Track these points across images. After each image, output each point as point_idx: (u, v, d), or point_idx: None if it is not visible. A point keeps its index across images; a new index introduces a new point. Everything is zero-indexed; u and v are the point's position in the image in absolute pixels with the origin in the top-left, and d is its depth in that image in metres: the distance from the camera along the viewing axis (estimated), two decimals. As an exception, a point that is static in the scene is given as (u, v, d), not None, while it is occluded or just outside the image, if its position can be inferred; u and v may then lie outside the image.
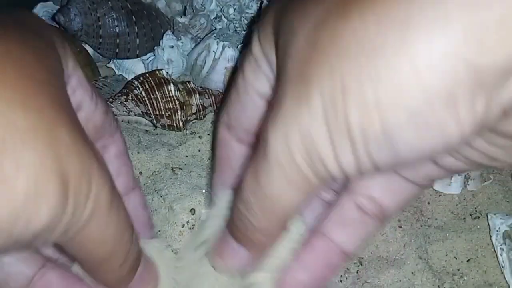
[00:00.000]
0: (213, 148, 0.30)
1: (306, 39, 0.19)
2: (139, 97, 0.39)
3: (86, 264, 0.24)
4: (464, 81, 0.15)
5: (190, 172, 0.36)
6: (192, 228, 0.33)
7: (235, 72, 0.42)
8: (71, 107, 0.21)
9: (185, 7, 0.47)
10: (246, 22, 0.44)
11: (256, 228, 0.23)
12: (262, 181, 0.21)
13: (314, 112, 0.18)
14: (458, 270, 0.35)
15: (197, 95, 0.40)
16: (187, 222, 0.33)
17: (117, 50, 0.42)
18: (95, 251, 0.22)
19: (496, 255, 0.35)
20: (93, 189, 0.20)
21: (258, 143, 0.21)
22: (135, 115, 0.40)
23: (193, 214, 0.33)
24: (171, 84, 0.39)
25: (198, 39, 0.45)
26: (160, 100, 0.38)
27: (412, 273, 0.34)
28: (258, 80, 0.24)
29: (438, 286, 0.34)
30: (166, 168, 0.37)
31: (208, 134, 0.40)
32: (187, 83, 0.40)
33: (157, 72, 0.39)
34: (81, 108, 0.25)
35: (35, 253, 0.26)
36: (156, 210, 0.34)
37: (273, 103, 0.20)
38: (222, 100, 0.41)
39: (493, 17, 0.15)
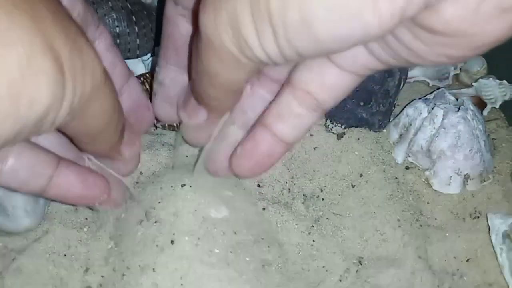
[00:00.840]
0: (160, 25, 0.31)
1: None
2: (139, 97, 0.39)
3: (84, 138, 0.25)
4: None
5: (190, 172, 0.37)
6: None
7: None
8: None
9: (185, 7, 0.47)
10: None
11: (208, 95, 0.25)
12: (201, 57, 0.22)
13: None
14: (458, 270, 0.35)
15: (197, 95, 0.40)
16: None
17: (117, 50, 0.42)
18: (95, 124, 0.24)
19: (496, 255, 0.36)
20: (87, 64, 0.20)
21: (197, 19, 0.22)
22: (135, 115, 0.40)
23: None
24: (171, 84, 0.39)
25: (198, 40, 0.45)
26: (160, 100, 0.38)
27: (411, 272, 0.34)
28: None
29: (438, 286, 0.34)
30: (166, 168, 0.37)
31: (208, 134, 0.40)
32: (187, 83, 0.40)
33: (157, 72, 0.39)
34: None
35: (48, 154, 0.27)
36: (156, 210, 0.34)
37: None
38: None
39: None
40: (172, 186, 0.34)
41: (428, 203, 0.38)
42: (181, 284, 0.30)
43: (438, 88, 0.43)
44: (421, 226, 0.37)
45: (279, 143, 0.28)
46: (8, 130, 0.18)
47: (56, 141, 0.29)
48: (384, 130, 0.41)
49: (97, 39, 0.28)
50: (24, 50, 0.17)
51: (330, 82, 0.25)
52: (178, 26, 0.28)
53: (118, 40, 0.42)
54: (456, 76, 0.46)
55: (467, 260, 0.36)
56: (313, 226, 0.35)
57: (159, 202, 0.33)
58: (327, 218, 0.36)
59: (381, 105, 0.39)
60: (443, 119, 0.38)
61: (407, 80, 0.43)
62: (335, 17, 0.17)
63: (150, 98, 0.38)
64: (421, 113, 0.39)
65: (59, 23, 0.19)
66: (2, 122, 0.18)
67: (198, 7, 0.21)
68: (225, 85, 0.24)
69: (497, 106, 0.44)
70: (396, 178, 0.38)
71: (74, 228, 0.34)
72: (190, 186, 0.33)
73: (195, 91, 0.27)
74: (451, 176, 0.38)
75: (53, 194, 0.27)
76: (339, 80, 0.25)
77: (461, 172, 0.38)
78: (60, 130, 0.24)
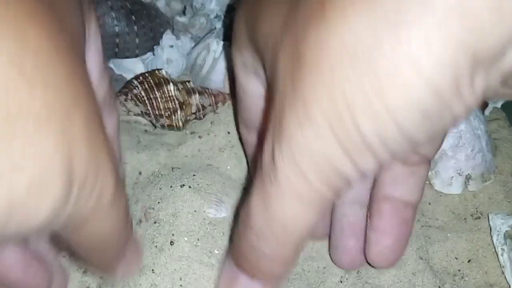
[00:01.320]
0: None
1: (290, 53, 0.18)
2: (138, 96, 0.38)
3: (79, 249, 0.23)
4: (464, 68, 0.16)
5: (189, 172, 0.36)
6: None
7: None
8: (89, 80, 0.19)
9: (185, 6, 0.47)
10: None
11: (269, 256, 0.22)
12: (273, 207, 0.20)
13: (321, 131, 0.17)
14: (459, 270, 0.35)
15: (197, 94, 0.40)
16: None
17: (116, 49, 0.42)
18: (91, 241, 0.21)
19: (497, 256, 0.35)
20: (99, 183, 0.19)
21: (259, 165, 0.21)
22: (135, 115, 0.40)
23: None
24: (171, 84, 0.39)
25: (198, 39, 0.45)
26: (159, 99, 0.38)
27: (412, 273, 0.34)
28: (255, 85, 0.25)
29: (439, 286, 0.34)
30: (165, 168, 0.37)
31: (208, 134, 0.40)
32: (187, 83, 0.40)
33: (156, 71, 0.39)
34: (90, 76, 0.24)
35: None
36: (155, 210, 0.34)
37: (270, 120, 0.20)
38: (224, 99, 0.41)
39: (485, 4, 0.14)
40: (171, 187, 0.33)
41: (429, 203, 0.38)
42: (181, 285, 0.29)
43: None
44: (422, 226, 0.36)
45: (407, 208, 0.27)
46: None
47: None
48: (385, 130, 0.41)
49: (106, 121, 0.27)
50: (39, 170, 0.15)
51: None
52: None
53: (117, 40, 0.41)
54: (457, 75, 0.46)
55: (469, 261, 0.36)
56: (313, 226, 0.35)
57: (158, 202, 0.33)
58: (327, 219, 0.36)
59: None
60: (444, 119, 0.37)
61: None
62: (429, 119, 0.17)
63: (148, 102, 0.38)
64: (422, 113, 0.39)
65: (88, 135, 0.17)
66: None
67: (262, 150, 0.20)
68: (299, 234, 0.21)
69: (499, 106, 0.44)
70: (397, 178, 0.38)
71: (73, 228, 0.34)
72: (190, 187, 0.33)
73: (252, 260, 0.23)
74: (452, 177, 0.38)
75: None
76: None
77: (462, 172, 0.38)
78: None
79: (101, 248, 0.23)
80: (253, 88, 0.25)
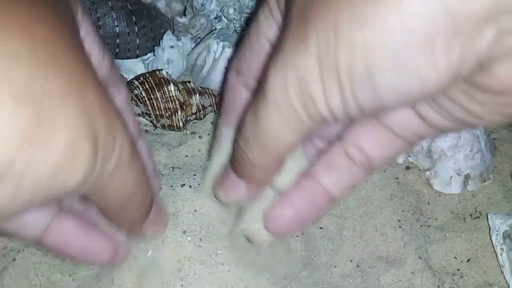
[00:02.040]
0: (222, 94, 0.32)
1: None
2: (139, 97, 0.39)
3: (106, 211, 0.25)
4: (441, 27, 0.17)
5: (190, 172, 0.37)
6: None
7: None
8: (91, 62, 0.22)
9: (185, 7, 0.47)
10: (246, 22, 0.44)
11: (253, 163, 0.25)
12: (260, 118, 0.23)
13: (309, 51, 0.20)
14: (458, 270, 0.35)
15: (197, 95, 0.40)
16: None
17: (117, 50, 0.42)
18: (116, 199, 0.24)
19: (496, 255, 0.36)
20: (117, 144, 0.22)
21: (261, 84, 0.23)
22: (135, 115, 0.40)
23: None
24: (171, 84, 0.39)
25: (198, 39, 0.45)
26: (160, 100, 0.38)
27: (412, 273, 0.34)
28: (269, 27, 0.26)
29: (438, 286, 0.34)
30: (166, 167, 0.37)
31: (208, 134, 0.40)
32: (187, 83, 0.40)
33: (157, 72, 0.39)
34: (91, 58, 0.25)
35: None
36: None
37: (276, 46, 0.22)
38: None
39: None
40: (171, 186, 0.34)
41: (428, 203, 0.38)
42: (182, 285, 0.30)
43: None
44: (421, 226, 0.37)
45: (323, 196, 0.28)
46: (38, 201, 0.19)
47: None
48: (385, 130, 0.41)
49: (116, 96, 0.29)
50: (70, 138, 0.19)
51: (382, 141, 0.25)
52: (239, 94, 0.30)
53: (118, 40, 0.42)
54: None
55: (468, 260, 0.36)
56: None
57: (159, 202, 0.33)
58: (327, 219, 0.36)
59: (382, 105, 0.39)
60: (443, 119, 0.38)
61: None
62: (396, 69, 0.18)
63: (149, 103, 0.38)
64: (421, 113, 0.39)
65: (102, 106, 0.21)
66: (35, 196, 0.19)
67: (264, 74, 0.22)
68: (278, 149, 0.24)
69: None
70: (396, 178, 0.38)
71: (74, 228, 0.34)
72: (190, 186, 0.33)
73: (239, 161, 0.26)
74: (451, 176, 0.38)
75: (51, 244, 0.26)
76: (391, 142, 0.25)
77: (461, 172, 0.38)
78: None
79: (126, 206, 0.25)
80: (269, 33, 0.26)
